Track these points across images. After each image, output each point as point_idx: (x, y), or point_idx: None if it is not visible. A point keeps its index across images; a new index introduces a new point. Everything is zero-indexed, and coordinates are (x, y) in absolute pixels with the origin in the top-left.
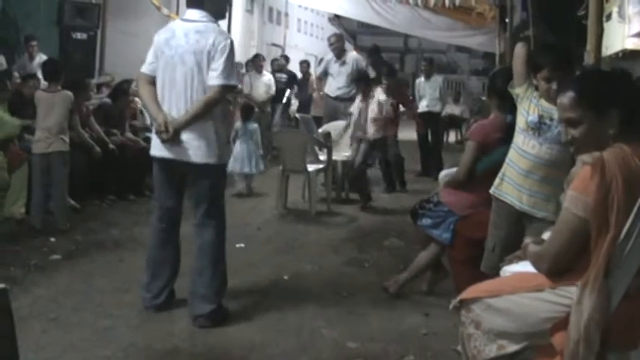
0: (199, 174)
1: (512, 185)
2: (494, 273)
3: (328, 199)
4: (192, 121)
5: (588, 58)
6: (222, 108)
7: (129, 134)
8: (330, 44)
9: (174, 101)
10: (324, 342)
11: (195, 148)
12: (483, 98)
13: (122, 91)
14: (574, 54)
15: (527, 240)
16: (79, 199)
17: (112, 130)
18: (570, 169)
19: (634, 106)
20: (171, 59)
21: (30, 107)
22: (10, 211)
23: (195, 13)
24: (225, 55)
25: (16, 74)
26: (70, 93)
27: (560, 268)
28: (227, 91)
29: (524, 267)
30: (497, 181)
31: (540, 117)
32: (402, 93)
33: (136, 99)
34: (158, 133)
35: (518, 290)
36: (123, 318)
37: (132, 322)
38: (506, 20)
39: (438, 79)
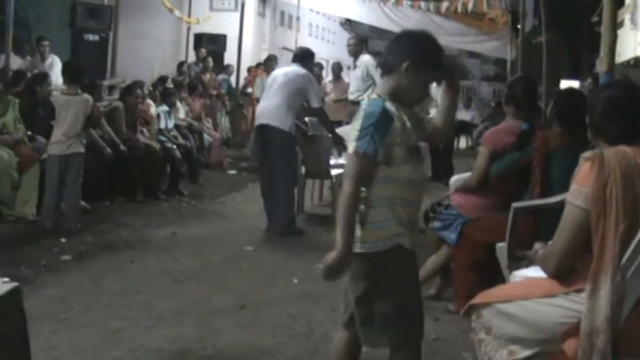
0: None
1: (411, 228)
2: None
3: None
4: None
5: (601, 65)
6: None
7: (140, 136)
8: (348, 45)
9: None
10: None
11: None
12: (493, 104)
13: (131, 92)
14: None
15: (538, 245)
16: (89, 200)
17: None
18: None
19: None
20: None
21: (41, 108)
22: (21, 212)
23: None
24: None
25: (29, 75)
26: (89, 96)
27: (567, 267)
28: None
29: (535, 272)
30: (396, 230)
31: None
32: None
33: (148, 101)
34: None
35: (530, 295)
36: (133, 319)
37: (142, 323)
38: (518, 26)
39: None
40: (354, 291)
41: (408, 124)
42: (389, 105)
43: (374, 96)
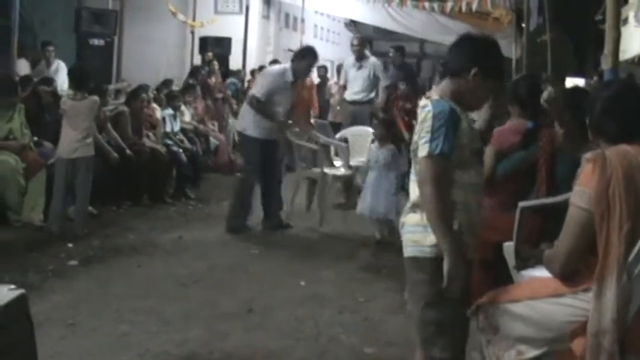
0: None
1: (470, 233)
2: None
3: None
4: None
5: (605, 63)
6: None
7: (146, 140)
8: (352, 45)
9: None
10: (341, 348)
11: None
12: None
13: (137, 96)
14: None
15: (544, 245)
16: (95, 205)
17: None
18: None
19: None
20: None
21: (47, 113)
22: (28, 217)
23: None
24: None
25: (35, 80)
26: (96, 99)
27: (572, 268)
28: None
29: (542, 272)
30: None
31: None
32: None
33: (153, 105)
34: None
35: (537, 295)
36: (140, 324)
37: (149, 328)
38: (523, 25)
39: None
40: (412, 295)
41: (473, 125)
42: (454, 106)
43: (434, 97)
